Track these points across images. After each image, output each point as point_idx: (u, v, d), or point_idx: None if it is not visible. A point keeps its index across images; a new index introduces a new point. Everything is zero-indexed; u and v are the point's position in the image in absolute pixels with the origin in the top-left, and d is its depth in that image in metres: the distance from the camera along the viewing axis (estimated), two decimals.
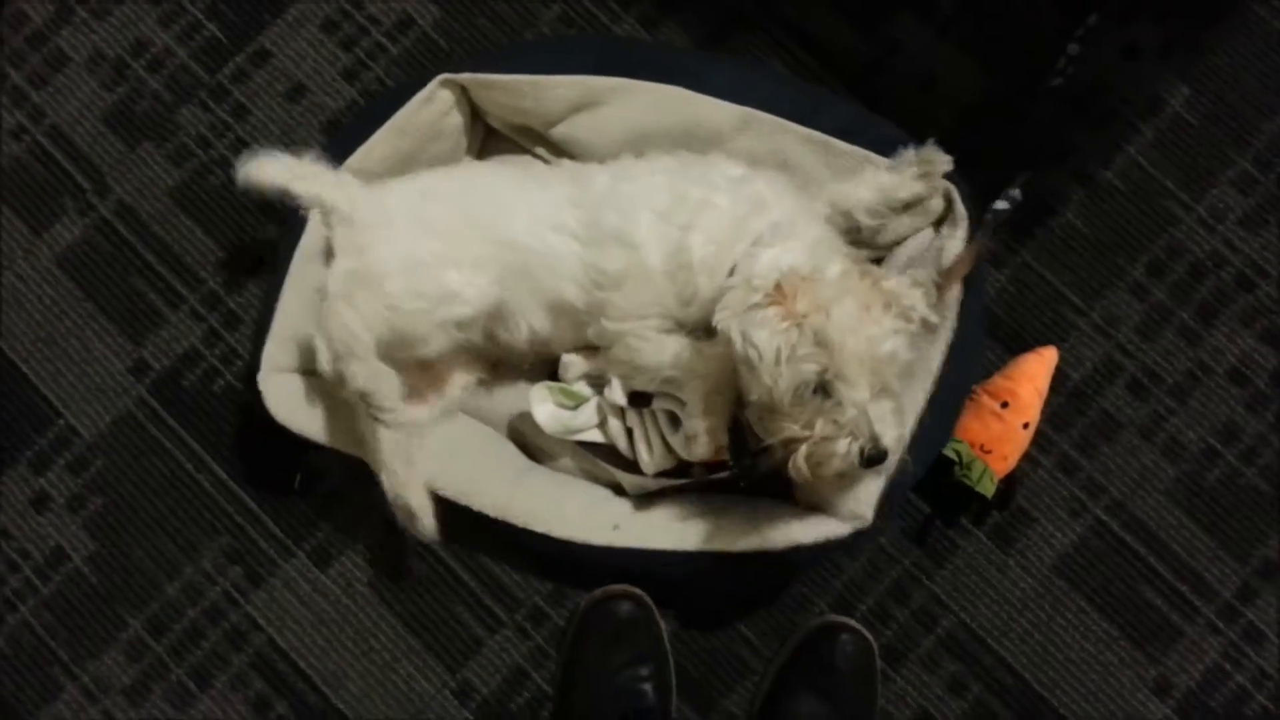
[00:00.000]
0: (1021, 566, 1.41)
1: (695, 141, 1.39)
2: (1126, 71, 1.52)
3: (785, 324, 1.11)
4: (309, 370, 1.39)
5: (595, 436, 1.36)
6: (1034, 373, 1.39)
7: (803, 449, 1.13)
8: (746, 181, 1.27)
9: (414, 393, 1.36)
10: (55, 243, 1.56)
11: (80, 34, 1.62)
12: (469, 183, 1.38)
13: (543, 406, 1.35)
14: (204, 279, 1.55)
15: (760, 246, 1.20)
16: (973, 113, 1.52)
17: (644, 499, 1.38)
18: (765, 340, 1.11)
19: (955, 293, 1.29)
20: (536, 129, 1.47)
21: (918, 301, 1.15)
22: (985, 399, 1.38)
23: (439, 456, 1.38)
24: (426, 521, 1.30)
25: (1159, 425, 1.43)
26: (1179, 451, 1.43)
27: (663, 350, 1.26)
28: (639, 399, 1.31)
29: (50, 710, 1.45)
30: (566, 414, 1.35)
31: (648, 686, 1.35)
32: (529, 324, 1.35)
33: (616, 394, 1.31)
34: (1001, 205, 1.33)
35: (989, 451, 1.36)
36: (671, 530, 1.33)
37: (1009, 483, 1.39)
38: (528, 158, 1.51)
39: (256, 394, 1.34)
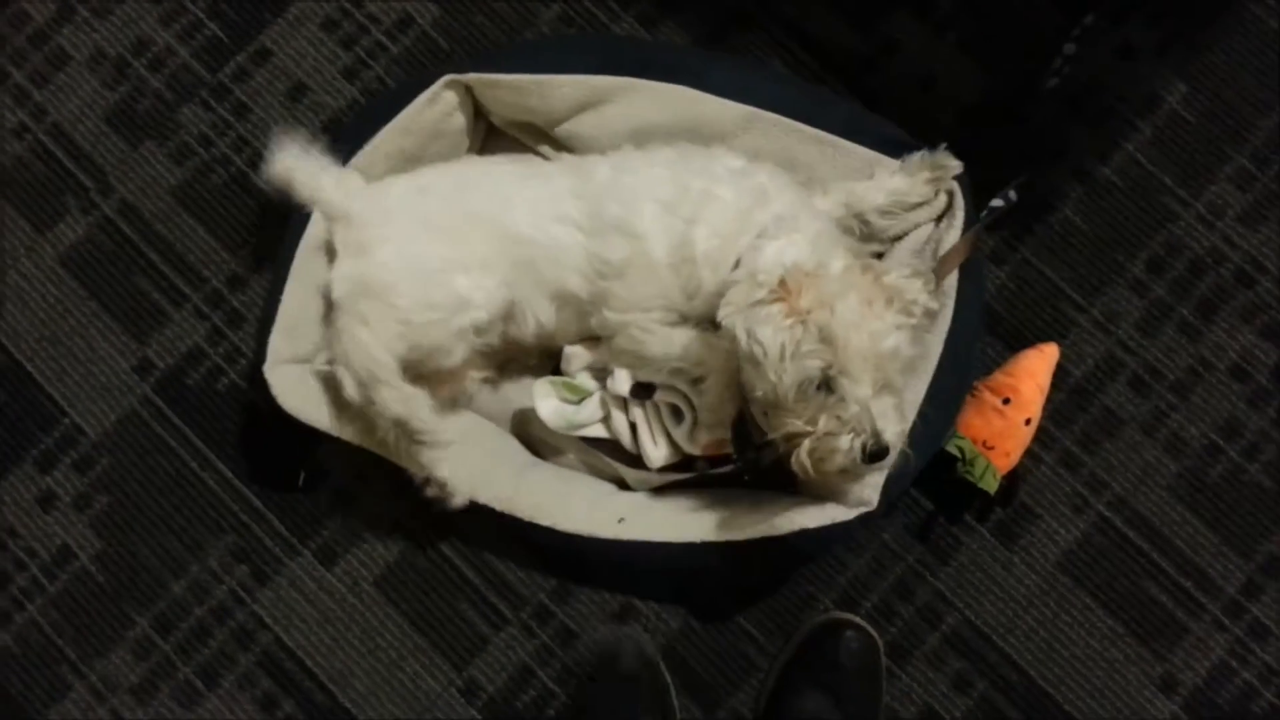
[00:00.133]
0: (1025, 563, 1.42)
1: (699, 140, 1.40)
2: (1123, 70, 1.52)
3: (790, 320, 1.11)
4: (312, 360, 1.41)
5: (599, 431, 1.37)
6: (1035, 369, 1.40)
7: (805, 444, 1.14)
8: (748, 174, 1.28)
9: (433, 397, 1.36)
10: (59, 242, 1.56)
11: (82, 33, 1.62)
12: (469, 177, 1.38)
13: (546, 402, 1.36)
14: (207, 277, 1.55)
15: (764, 239, 1.21)
16: (971, 112, 1.53)
17: (648, 493, 1.39)
18: (770, 337, 1.12)
19: (951, 280, 1.31)
20: (541, 127, 1.48)
21: (919, 294, 1.16)
22: (987, 395, 1.39)
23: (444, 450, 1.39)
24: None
25: (1161, 421, 1.44)
26: (1181, 448, 1.43)
27: (670, 342, 1.27)
28: (642, 390, 1.31)
29: (58, 709, 1.45)
30: (570, 409, 1.36)
31: None
32: (536, 317, 1.35)
33: (620, 385, 1.31)
34: (998, 203, 1.34)
35: (991, 448, 1.37)
36: (677, 522, 1.34)
37: (1012, 479, 1.40)
38: (530, 156, 1.51)
39: (263, 384, 1.34)
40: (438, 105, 1.43)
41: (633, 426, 1.35)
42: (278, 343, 1.37)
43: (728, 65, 1.45)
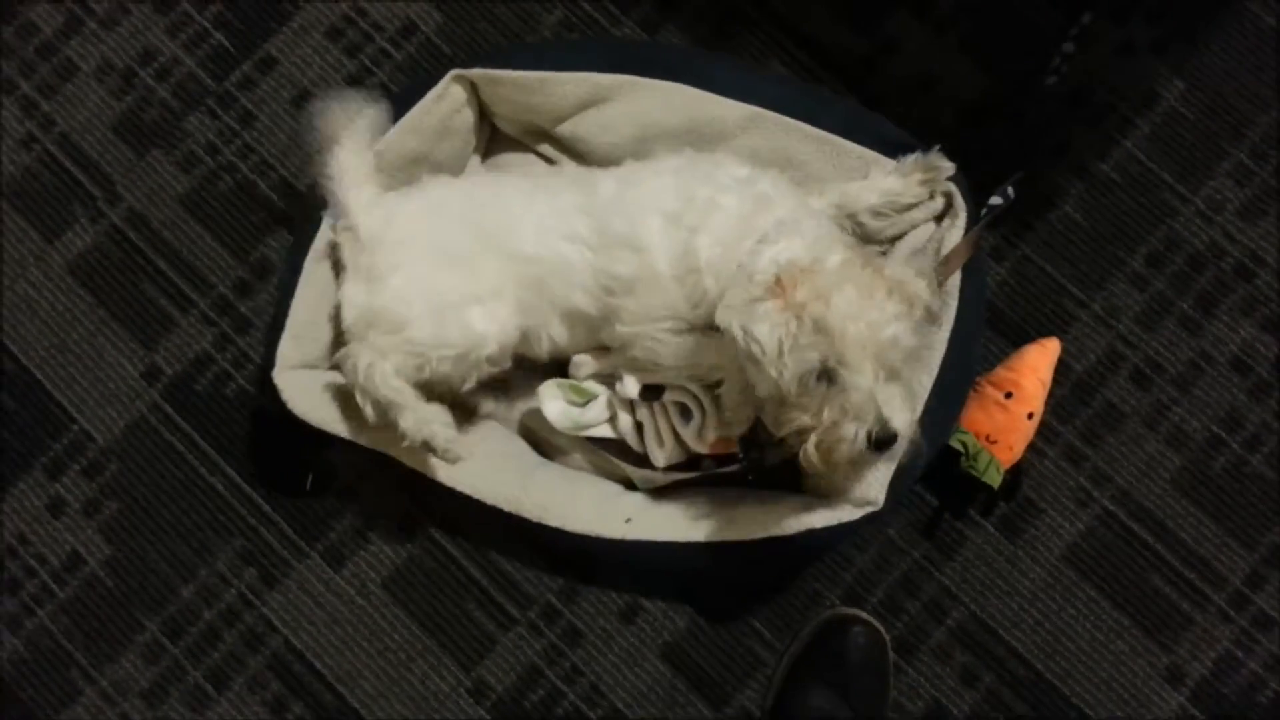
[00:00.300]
0: (1030, 557, 1.42)
1: (701, 139, 1.41)
2: (1122, 68, 1.54)
3: (785, 315, 1.12)
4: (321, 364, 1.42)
5: (605, 432, 1.37)
6: (1037, 363, 1.40)
7: (812, 438, 1.14)
8: (752, 181, 1.28)
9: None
10: (67, 250, 1.58)
11: (89, 44, 1.64)
12: (477, 196, 1.37)
13: (553, 403, 1.36)
14: (214, 284, 1.56)
15: (765, 244, 1.21)
16: (970, 111, 1.54)
17: (655, 493, 1.40)
18: (766, 333, 1.12)
19: (955, 280, 1.32)
20: (543, 126, 1.49)
21: (920, 289, 1.17)
22: (989, 390, 1.39)
23: None
24: (456, 446, 1.29)
25: (1163, 415, 1.45)
26: (1183, 440, 1.44)
27: (683, 351, 1.27)
28: (650, 392, 1.32)
29: (69, 714, 1.46)
30: (576, 410, 1.36)
31: None
32: (550, 337, 1.36)
33: (629, 389, 1.32)
34: (997, 201, 1.35)
35: (994, 442, 1.37)
36: (683, 522, 1.34)
37: (1015, 473, 1.41)
38: (532, 157, 1.52)
39: (273, 389, 1.35)
40: (446, 101, 1.45)
41: (639, 427, 1.36)
42: (287, 348, 1.38)
43: (729, 65, 1.46)
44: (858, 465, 1.21)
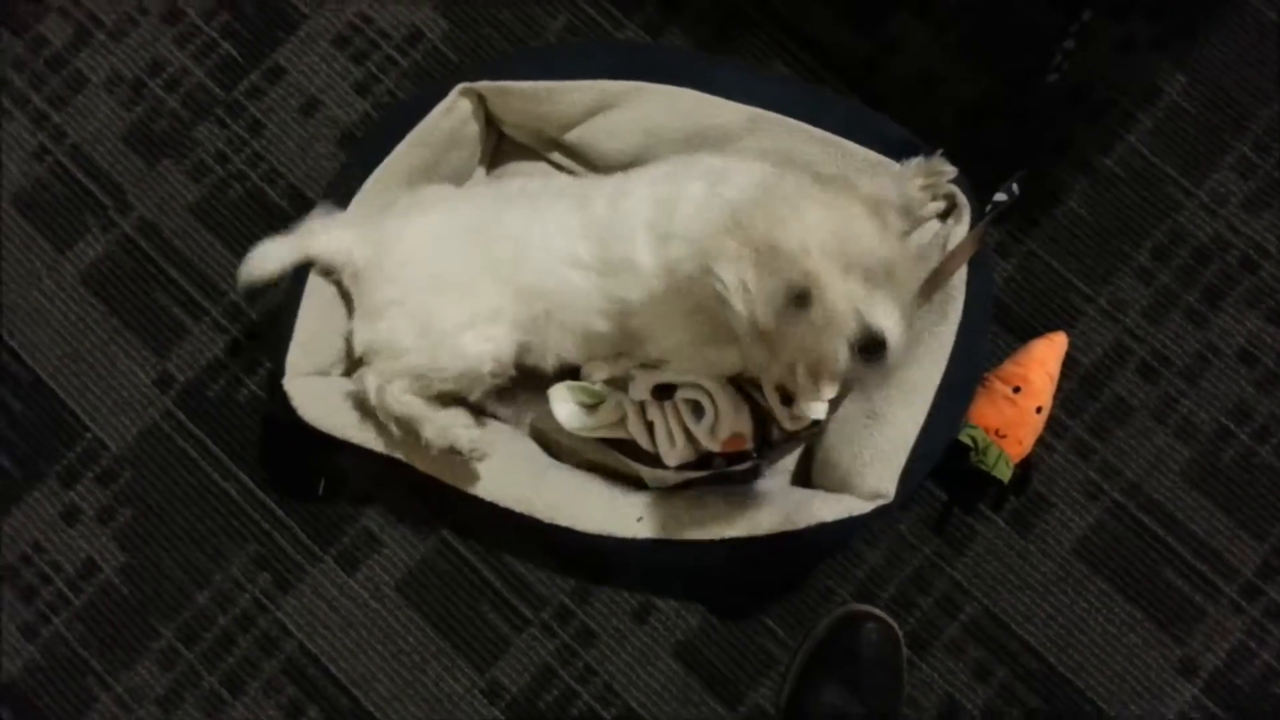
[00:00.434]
0: (1041, 551, 1.43)
1: (706, 142, 1.43)
2: (1123, 63, 1.55)
3: (743, 250, 1.10)
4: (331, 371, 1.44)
5: (616, 432, 1.38)
6: (1044, 357, 1.41)
7: (800, 366, 1.12)
8: (721, 164, 1.28)
9: None
10: (79, 260, 1.59)
11: (99, 56, 1.65)
12: (475, 221, 1.37)
13: (563, 405, 1.37)
14: (225, 291, 1.57)
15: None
16: (973, 109, 1.55)
17: (665, 491, 1.40)
18: (728, 271, 1.10)
19: (961, 274, 1.32)
20: (552, 134, 1.50)
21: (888, 190, 1.14)
22: (997, 384, 1.40)
23: None
24: (480, 444, 1.31)
25: (1171, 407, 1.45)
26: (1192, 433, 1.44)
27: (723, 358, 1.28)
28: (662, 391, 1.32)
29: None
30: (587, 412, 1.37)
31: None
32: (558, 355, 1.37)
33: (640, 390, 1.33)
34: (1001, 198, 1.36)
35: (1004, 436, 1.38)
36: (694, 519, 1.35)
37: (1025, 467, 1.41)
38: (543, 165, 1.53)
39: (283, 397, 1.36)
40: (454, 114, 1.46)
41: (650, 426, 1.36)
42: (296, 357, 1.39)
43: (733, 68, 1.47)
44: (856, 381, 1.14)
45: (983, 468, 1.37)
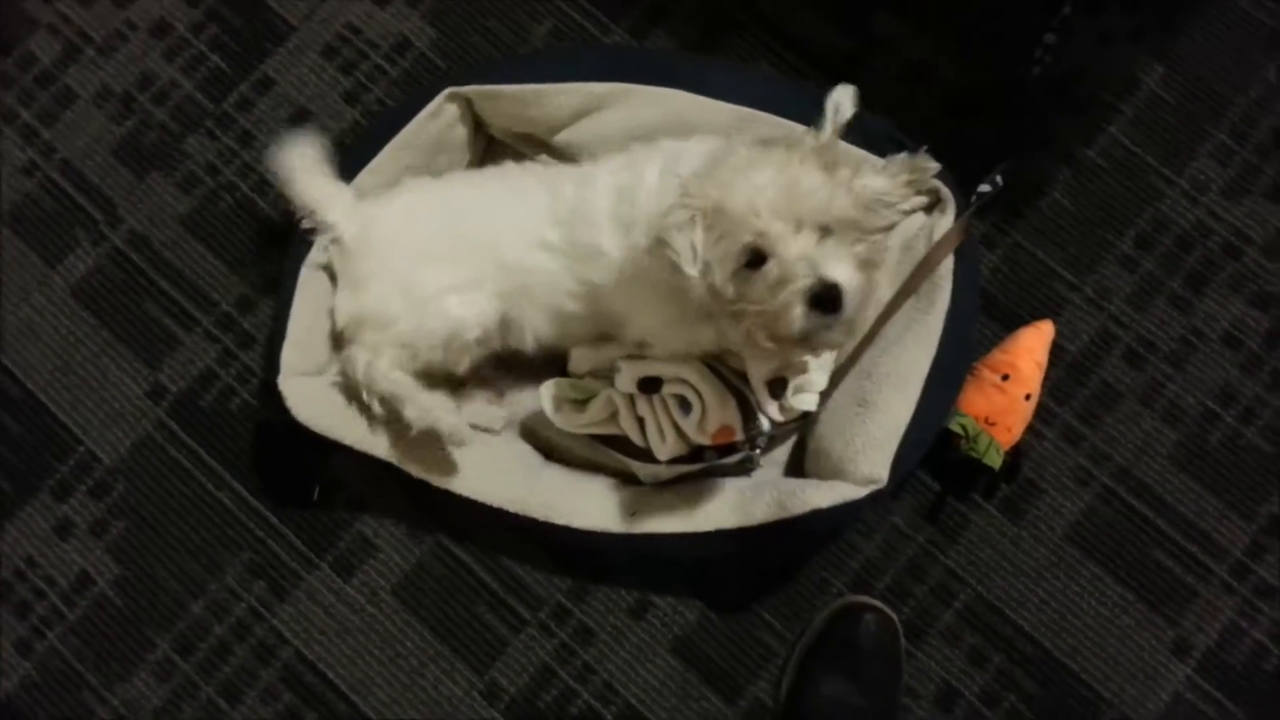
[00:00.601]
0: (1034, 537, 1.44)
1: None
2: (1102, 56, 1.57)
3: (692, 217, 1.11)
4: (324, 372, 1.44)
5: (608, 428, 1.38)
6: (1031, 345, 1.43)
7: (760, 323, 1.12)
8: (678, 146, 1.30)
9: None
10: (69, 274, 1.59)
11: (87, 71, 1.66)
12: (451, 200, 1.41)
13: (554, 403, 1.37)
14: (216, 301, 1.58)
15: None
16: (956, 104, 1.57)
17: (659, 486, 1.41)
18: (679, 240, 1.11)
19: (947, 264, 1.34)
20: (540, 137, 1.52)
21: (835, 141, 1.15)
22: (986, 373, 1.41)
23: (455, 456, 1.41)
24: (459, 431, 1.32)
25: (1158, 392, 1.47)
26: (1179, 416, 1.46)
27: (696, 337, 1.29)
28: (648, 385, 1.33)
29: None
30: (578, 409, 1.38)
31: None
32: (534, 334, 1.39)
33: (626, 382, 1.34)
34: (985, 189, 1.38)
35: (993, 424, 1.39)
36: (688, 512, 1.36)
37: (1015, 454, 1.42)
38: (509, 163, 1.54)
39: (277, 397, 1.36)
40: (440, 118, 1.47)
41: (640, 421, 1.37)
42: (290, 355, 1.40)
43: (719, 68, 1.49)
44: (814, 339, 1.14)
45: (974, 455, 1.38)
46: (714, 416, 1.32)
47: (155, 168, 1.63)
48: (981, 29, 1.58)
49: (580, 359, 1.40)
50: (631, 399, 1.36)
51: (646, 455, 1.37)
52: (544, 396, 1.38)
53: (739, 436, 1.34)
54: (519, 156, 1.56)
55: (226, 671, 1.47)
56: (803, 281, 1.08)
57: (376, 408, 1.35)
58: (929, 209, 1.43)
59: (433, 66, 1.64)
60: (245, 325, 1.57)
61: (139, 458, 1.53)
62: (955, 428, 1.38)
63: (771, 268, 1.10)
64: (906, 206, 1.42)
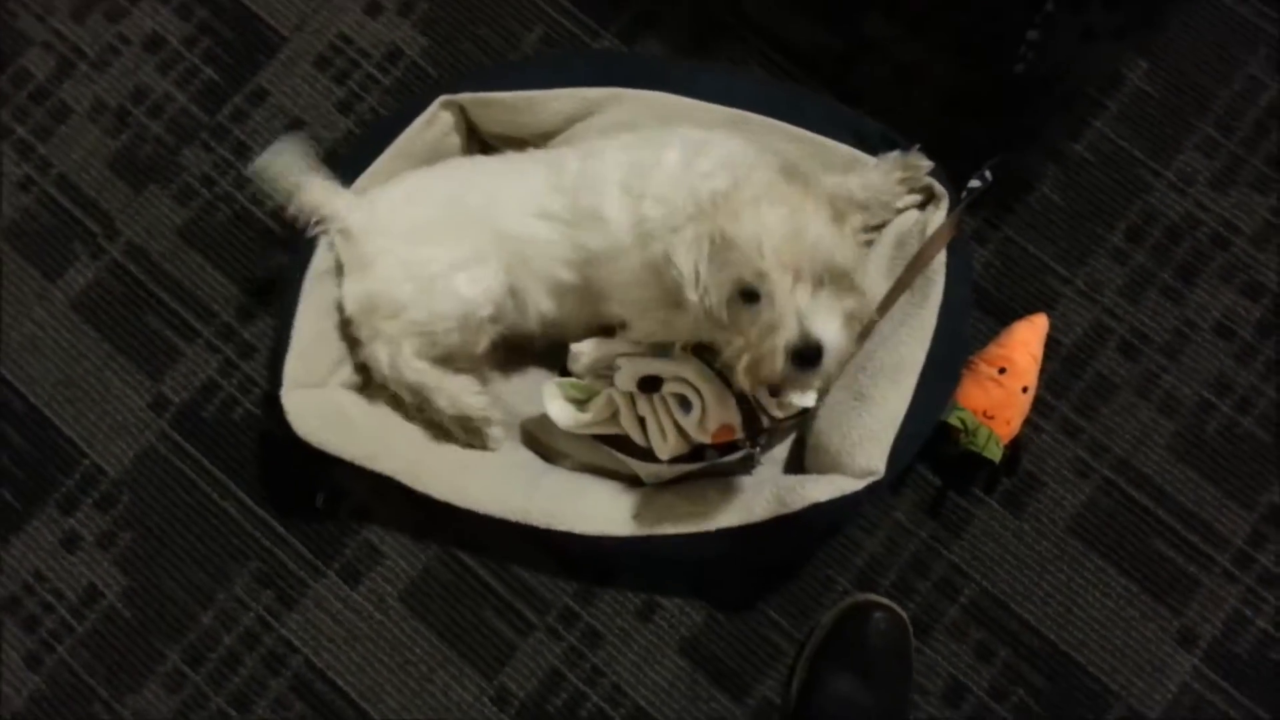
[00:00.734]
0: (1036, 530, 1.45)
1: None
2: (1087, 52, 1.59)
3: (700, 239, 1.13)
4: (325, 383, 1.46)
5: (609, 428, 1.39)
6: (1026, 338, 1.44)
7: (743, 359, 1.14)
8: (699, 136, 1.31)
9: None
10: (69, 288, 1.60)
11: (81, 86, 1.67)
12: (452, 179, 1.44)
13: (555, 403, 1.38)
14: (216, 312, 1.58)
15: (704, 180, 1.22)
16: (946, 102, 1.58)
17: (660, 487, 1.42)
18: (684, 258, 1.14)
19: (940, 258, 1.36)
20: (533, 143, 1.52)
21: (854, 189, 1.18)
22: (983, 367, 1.43)
23: (458, 468, 1.43)
24: (490, 410, 1.40)
25: (1153, 383, 1.48)
26: (1175, 407, 1.48)
27: (678, 324, 1.29)
28: (648, 384, 1.34)
29: None
30: (578, 409, 1.38)
31: None
32: (537, 308, 1.40)
33: (626, 381, 1.35)
34: (975, 184, 1.40)
35: (992, 417, 1.41)
36: (690, 512, 1.37)
37: (1014, 447, 1.43)
38: (509, 151, 1.54)
39: (279, 410, 1.37)
40: (435, 126, 1.49)
41: (641, 421, 1.38)
42: (293, 366, 1.40)
43: (711, 71, 1.50)
44: (792, 382, 1.16)
45: (973, 449, 1.40)
46: (714, 415, 1.32)
47: (152, 180, 1.63)
48: (968, 28, 1.60)
49: (580, 355, 1.41)
50: (632, 398, 1.37)
51: (648, 455, 1.38)
52: (546, 396, 1.39)
53: (739, 434, 1.36)
54: None
55: (236, 681, 1.47)
56: (789, 335, 1.10)
57: (407, 397, 1.39)
58: (922, 205, 1.44)
59: (425, 75, 1.65)
60: (246, 335, 1.57)
61: (143, 469, 1.54)
62: (954, 421, 1.40)
63: (763, 309, 1.12)
64: (900, 204, 1.44)
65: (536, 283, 1.38)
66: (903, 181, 1.41)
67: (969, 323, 1.42)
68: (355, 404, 1.46)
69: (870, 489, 1.30)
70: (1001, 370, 1.42)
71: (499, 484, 1.42)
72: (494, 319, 1.39)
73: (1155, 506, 1.45)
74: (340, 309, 1.43)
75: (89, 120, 1.65)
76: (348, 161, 1.49)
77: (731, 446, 1.36)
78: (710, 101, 1.45)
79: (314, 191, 1.42)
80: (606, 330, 1.39)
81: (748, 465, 1.42)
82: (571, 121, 1.49)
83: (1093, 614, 1.42)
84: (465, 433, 1.45)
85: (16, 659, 1.49)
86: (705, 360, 1.31)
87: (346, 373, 1.47)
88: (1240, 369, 1.48)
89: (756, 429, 1.35)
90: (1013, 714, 1.40)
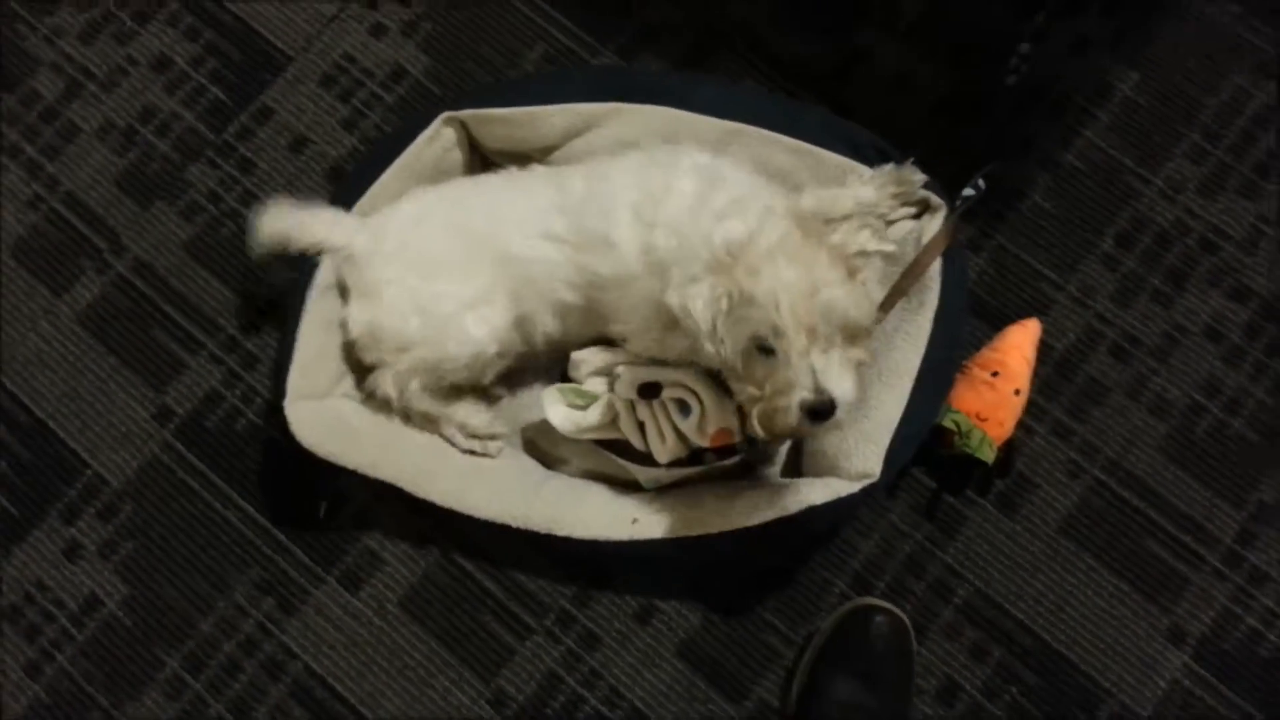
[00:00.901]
0: (1029, 531, 1.46)
1: None
2: (1078, 63, 1.62)
3: (718, 292, 1.16)
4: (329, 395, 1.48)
5: (609, 433, 1.41)
6: (1019, 342, 1.46)
7: (756, 409, 1.18)
8: (711, 165, 1.34)
9: None
10: (75, 302, 1.63)
11: (90, 106, 1.71)
12: (459, 201, 1.45)
13: (556, 409, 1.40)
14: (221, 325, 1.61)
15: (717, 223, 1.24)
16: (940, 112, 1.62)
17: (659, 491, 1.43)
18: (700, 310, 1.17)
19: (935, 266, 1.38)
20: (534, 158, 1.55)
21: (867, 242, 1.20)
22: (976, 370, 1.45)
23: (459, 475, 1.44)
24: (495, 425, 1.45)
25: (1144, 385, 1.50)
26: (1166, 409, 1.49)
27: (678, 343, 1.31)
28: (648, 390, 1.36)
29: None
30: (579, 413, 1.40)
31: None
32: (543, 329, 1.42)
33: (627, 388, 1.37)
34: (969, 192, 1.42)
35: (985, 419, 1.42)
36: (689, 515, 1.38)
37: (1007, 449, 1.45)
38: (512, 168, 1.57)
39: (283, 421, 1.39)
40: (438, 142, 1.51)
41: (641, 425, 1.40)
42: (296, 380, 1.42)
43: (708, 84, 1.52)
44: (803, 432, 1.20)
45: (967, 451, 1.41)
46: (713, 418, 1.35)
47: (158, 197, 1.66)
48: (962, 40, 1.63)
49: (581, 362, 1.43)
50: (631, 404, 1.39)
51: (647, 459, 1.40)
52: (545, 403, 1.40)
53: (737, 438, 1.37)
54: None
55: (236, 688, 1.48)
56: (803, 393, 1.13)
57: (416, 423, 1.45)
58: (918, 215, 1.46)
59: (428, 93, 1.69)
60: (249, 347, 1.60)
61: (146, 479, 1.56)
62: (948, 424, 1.41)
63: (779, 365, 1.15)
64: (894, 217, 1.46)
65: (541, 304, 1.40)
66: (896, 196, 1.43)
67: (963, 329, 1.44)
68: (357, 413, 1.48)
69: (866, 491, 1.31)
70: (994, 373, 1.44)
71: (500, 490, 1.43)
72: (501, 355, 1.42)
73: (1146, 507, 1.46)
74: (344, 329, 1.45)
75: (97, 139, 1.69)
76: (353, 177, 1.52)
77: (729, 450, 1.38)
78: (708, 114, 1.47)
79: (315, 225, 1.43)
80: (608, 340, 1.41)
81: (748, 470, 1.43)
82: (571, 136, 1.52)
83: (1085, 613, 1.43)
84: (466, 439, 1.47)
85: (17, 668, 1.51)
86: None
87: (348, 384, 1.50)
88: (1229, 371, 1.50)
89: (754, 434, 1.37)
90: (1006, 712, 1.40)
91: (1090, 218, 1.56)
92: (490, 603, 1.49)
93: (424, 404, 1.43)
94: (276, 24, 1.73)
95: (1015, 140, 1.60)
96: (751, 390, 1.18)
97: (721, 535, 1.35)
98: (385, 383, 1.43)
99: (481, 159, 1.61)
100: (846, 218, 1.41)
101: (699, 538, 1.36)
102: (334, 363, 1.48)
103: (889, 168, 1.42)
